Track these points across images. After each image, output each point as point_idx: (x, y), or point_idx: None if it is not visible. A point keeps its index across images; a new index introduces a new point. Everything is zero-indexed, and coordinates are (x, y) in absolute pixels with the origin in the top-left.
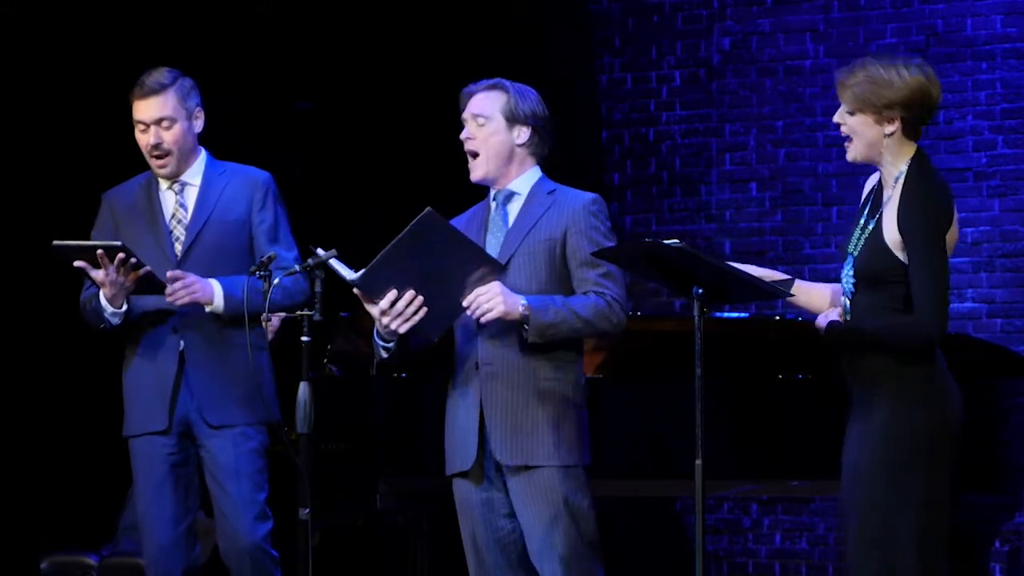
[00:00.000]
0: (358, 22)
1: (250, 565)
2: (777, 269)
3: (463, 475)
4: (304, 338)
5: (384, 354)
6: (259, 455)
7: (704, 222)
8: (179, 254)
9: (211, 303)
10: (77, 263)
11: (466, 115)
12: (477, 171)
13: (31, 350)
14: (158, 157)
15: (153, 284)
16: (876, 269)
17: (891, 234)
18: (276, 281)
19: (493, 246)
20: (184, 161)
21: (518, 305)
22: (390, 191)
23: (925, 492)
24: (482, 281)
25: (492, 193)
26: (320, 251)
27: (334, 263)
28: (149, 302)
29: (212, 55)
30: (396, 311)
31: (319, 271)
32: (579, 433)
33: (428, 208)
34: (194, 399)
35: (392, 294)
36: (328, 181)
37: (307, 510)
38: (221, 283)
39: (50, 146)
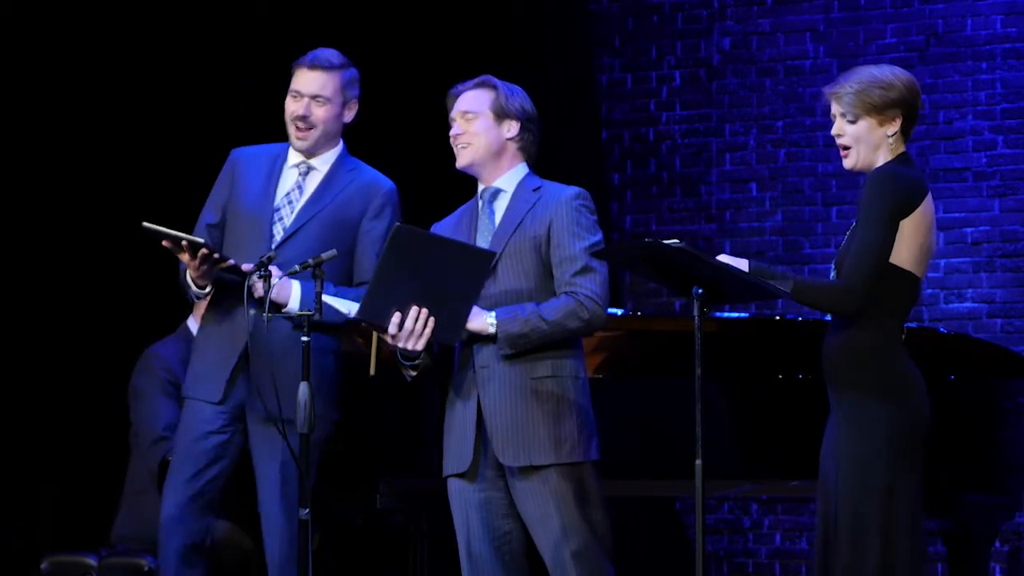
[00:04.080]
0: (356, 22)
1: (280, 557)
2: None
3: (460, 476)
4: (304, 338)
5: (413, 373)
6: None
7: (704, 222)
8: (277, 240)
9: (286, 304)
10: (165, 242)
11: (454, 115)
12: (463, 158)
13: (31, 351)
14: (300, 128)
15: (238, 272)
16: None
17: None
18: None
19: (482, 246)
20: (322, 144)
21: (486, 322)
22: None
23: (891, 487)
24: (479, 273)
25: (479, 191)
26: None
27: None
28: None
29: (212, 56)
30: (406, 331)
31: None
32: (581, 429)
33: (396, 224)
34: (249, 387)
35: (397, 317)
36: None
37: (307, 510)
38: (302, 286)
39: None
